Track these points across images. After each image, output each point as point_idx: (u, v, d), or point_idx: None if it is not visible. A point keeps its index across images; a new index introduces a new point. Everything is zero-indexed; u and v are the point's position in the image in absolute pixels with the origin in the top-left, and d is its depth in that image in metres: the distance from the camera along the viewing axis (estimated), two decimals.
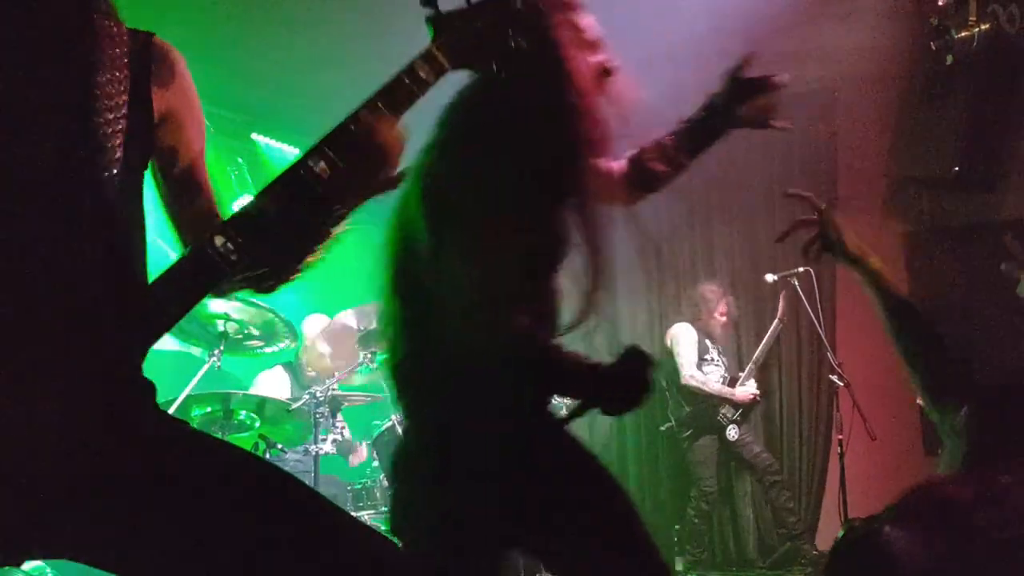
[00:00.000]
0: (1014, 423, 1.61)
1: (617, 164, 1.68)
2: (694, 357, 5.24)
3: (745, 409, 5.23)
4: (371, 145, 1.21)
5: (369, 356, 4.20)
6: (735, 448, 5.19)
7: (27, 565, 2.96)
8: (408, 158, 1.33)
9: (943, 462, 1.73)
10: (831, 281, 5.64)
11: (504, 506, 1.52)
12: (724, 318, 5.41)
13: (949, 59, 4.58)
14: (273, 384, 4.68)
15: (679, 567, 5.37)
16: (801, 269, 5.06)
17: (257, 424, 3.96)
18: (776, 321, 5.36)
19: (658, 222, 6.29)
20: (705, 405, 5.19)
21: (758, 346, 5.56)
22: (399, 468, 1.67)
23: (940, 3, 4.47)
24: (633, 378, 1.69)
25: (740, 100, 1.77)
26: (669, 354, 5.39)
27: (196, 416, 3.85)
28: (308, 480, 3.63)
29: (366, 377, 4.37)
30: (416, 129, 1.36)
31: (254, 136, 6.46)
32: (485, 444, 1.51)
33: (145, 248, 1.33)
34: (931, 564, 1.37)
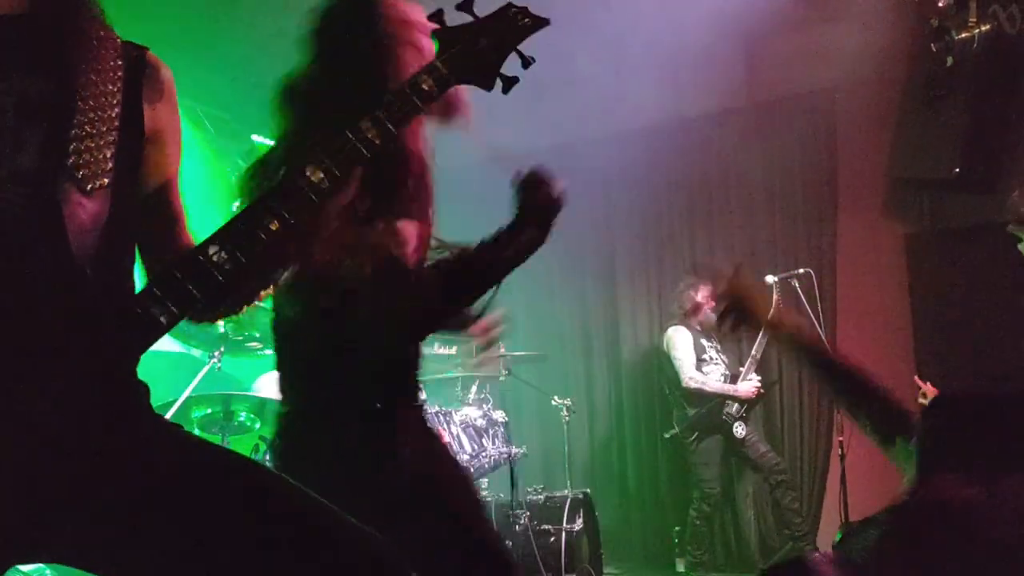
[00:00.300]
0: (964, 434, 1.61)
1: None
2: (692, 358, 5.23)
3: (750, 404, 5.23)
4: (366, 159, 1.22)
5: None
6: (742, 447, 5.19)
7: (26, 567, 2.96)
8: None
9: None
10: (831, 283, 5.64)
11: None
12: (712, 302, 5.41)
13: (949, 60, 4.58)
14: (274, 386, 4.67)
15: (680, 568, 5.38)
16: (802, 271, 5.07)
17: (257, 426, 3.96)
18: (771, 311, 5.33)
19: (659, 224, 6.30)
20: (709, 406, 5.18)
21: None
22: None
23: (940, 4, 4.47)
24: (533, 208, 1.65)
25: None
26: (666, 359, 5.38)
27: (196, 417, 3.85)
28: None
29: None
30: None
31: (254, 138, 6.46)
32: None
33: (134, 259, 1.33)
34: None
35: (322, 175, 1.19)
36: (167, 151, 1.36)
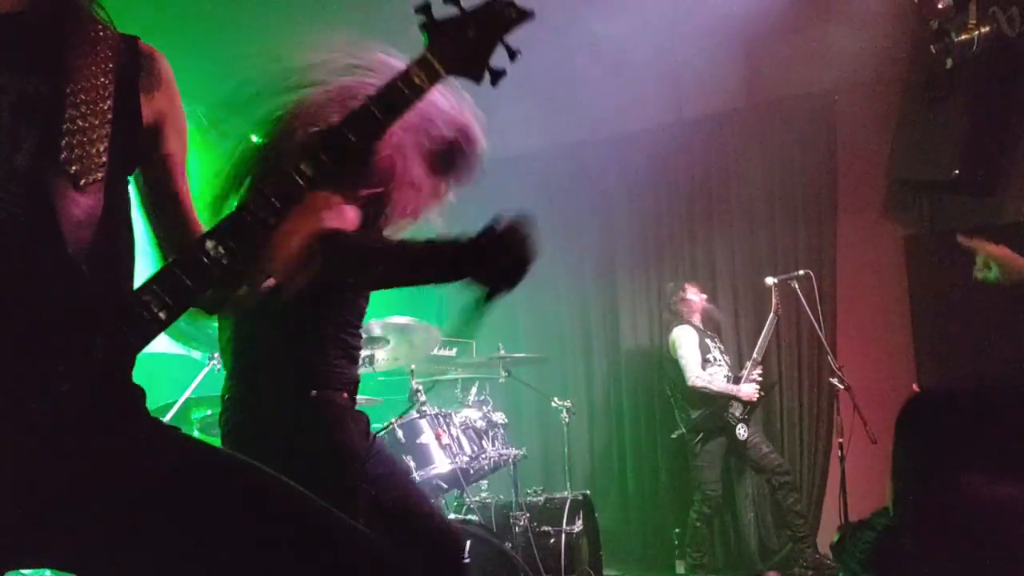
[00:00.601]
0: (964, 433, 1.60)
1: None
2: (698, 358, 5.24)
3: (752, 406, 5.23)
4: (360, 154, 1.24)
5: (367, 359, 4.20)
6: (745, 449, 5.19)
7: (26, 571, 2.95)
8: None
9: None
10: (831, 284, 5.65)
11: None
12: (700, 299, 5.45)
13: (949, 62, 4.58)
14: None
15: (680, 570, 5.37)
16: (801, 272, 5.07)
17: None
18: (771, 315, 5.35)
19: (658, 225, 6.30)
20: (713, 407, 5.18)
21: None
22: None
23: (940, 6, 4.47)
24: (502, 244, 1.47)
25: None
26: (671, 360, 5.38)
27: (196, 419, 3.85)
28: None
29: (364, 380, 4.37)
30: None
31: (254, 139, 6.47)
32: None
33: (132, 253, 1.32)
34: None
35: (313, 168, 1.20)
36: (170, 138, 1.36)
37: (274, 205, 1.18)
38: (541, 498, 4.37)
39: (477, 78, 1.34)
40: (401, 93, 1.26)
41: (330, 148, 1.21)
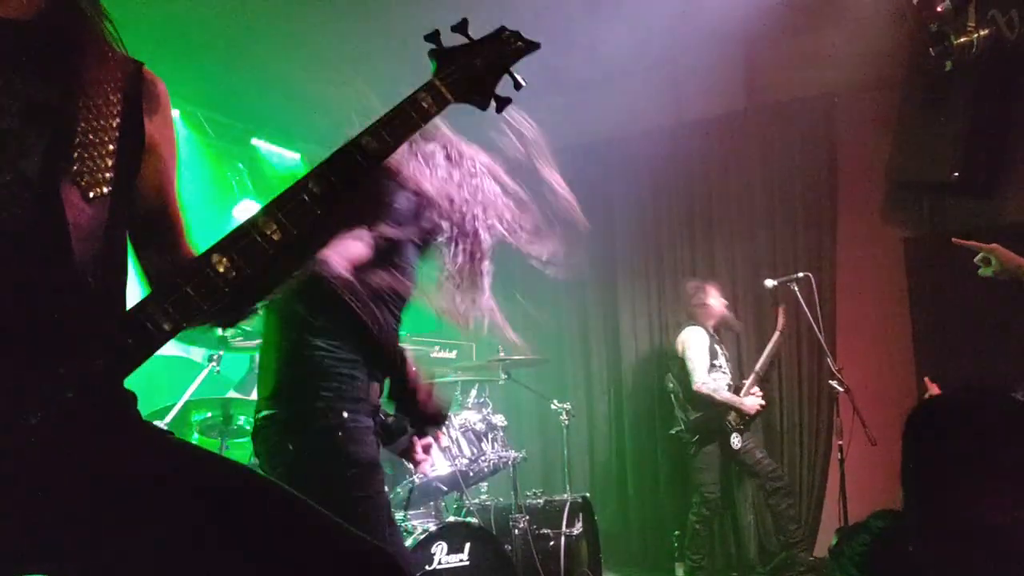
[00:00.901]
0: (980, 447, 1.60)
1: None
2: (706, 363, 5.23)
3: (750, 417, 5.24)
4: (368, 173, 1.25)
5: None
6: (739, 455, 5.19)
7: None
8: None
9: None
10: (831, 286, 5.65)
11: None
12: (721, 306, 5.41)
13: (948, 65, 4.58)
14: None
15: (679, 573, 5.36)
16: (801, 274, 5.06)
17: None
18: (776, 333, 5.36)
19: (658, 228, 6.31)
20: (713, 411, 5.18)
21: (758, 352, 5.56)
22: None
23: (939, 9, 4.48)
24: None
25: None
26: (677, 358, 5.37)
27: (195, 421, 3.85)
28: None
29: None
30: None
31: (254, 141, 6.47)
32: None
33: (127, 270, 1.33)
34: None
35: (321, 187, 1.21)
36: (165, 162, 1.38)
37: (281, 221, 1.19)
38: (541, 500, 4.37)
39: (483, 105, 1.37)
40: (409, 117, 1.28)
41: (338, 168, 1.22)
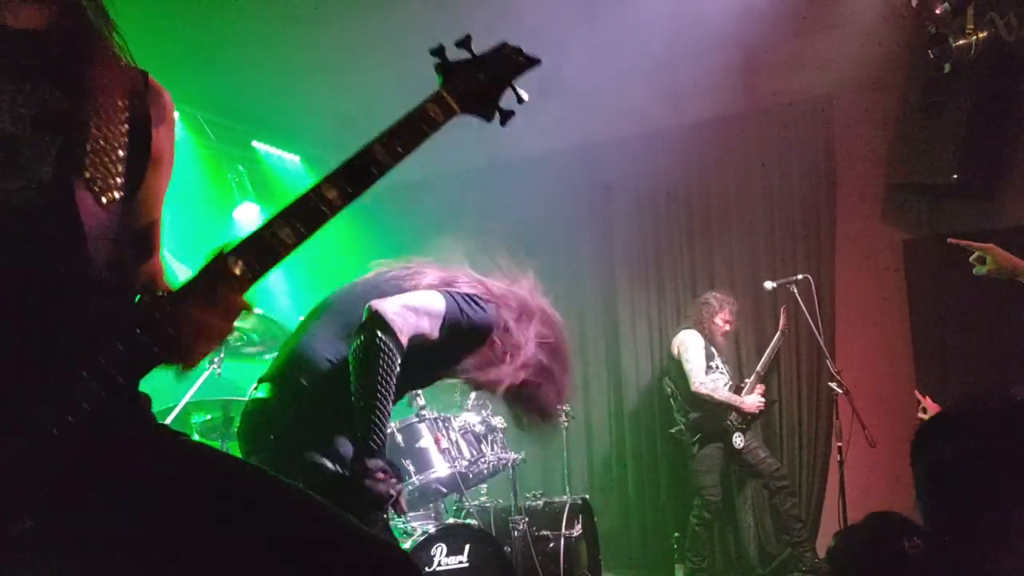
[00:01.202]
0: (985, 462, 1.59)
1: None
2: (703, 364, 5.23)
3: (752, 417, 5.24)
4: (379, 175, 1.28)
5: None
6: (741, 454, 5.19)
7: None
8: None
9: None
10: (830, 288, 5.65)
11: None
12: (727, 326, 5.40)
13: (947, 67, 4.59)
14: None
15: (679, 575, 5.37)
16: (800, 276, 5.07)
17: None
18: (778, 333, 5.37)
19: (657, 230, 6.31)
20: (713, 412, 5.19)
21: (758, 353, 5.56)
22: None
23: (938, 11, 4.48)
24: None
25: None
26: (674, 360, 5.38)
27: (196, 423, 3.86)
28: None
29: None
30: None
31: (254, 144, 6.48)
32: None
33: (134, 273, 1.36)
34: None
35: (336, 192, 1.24)
36: (162, 173, 1.40)
37: (295, 226, 1.21)
38: (540, 502, 4.37)
39: (488, 117, 1.41)
40: (418, 126, 1.31)
41: (350, 174, 1.25)
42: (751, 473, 5.37)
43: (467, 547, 3.33)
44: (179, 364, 1.20)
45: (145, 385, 1.30)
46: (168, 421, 3.51)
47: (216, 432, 3.84)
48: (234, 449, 3.91)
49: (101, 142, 1.21)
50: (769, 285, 5.21)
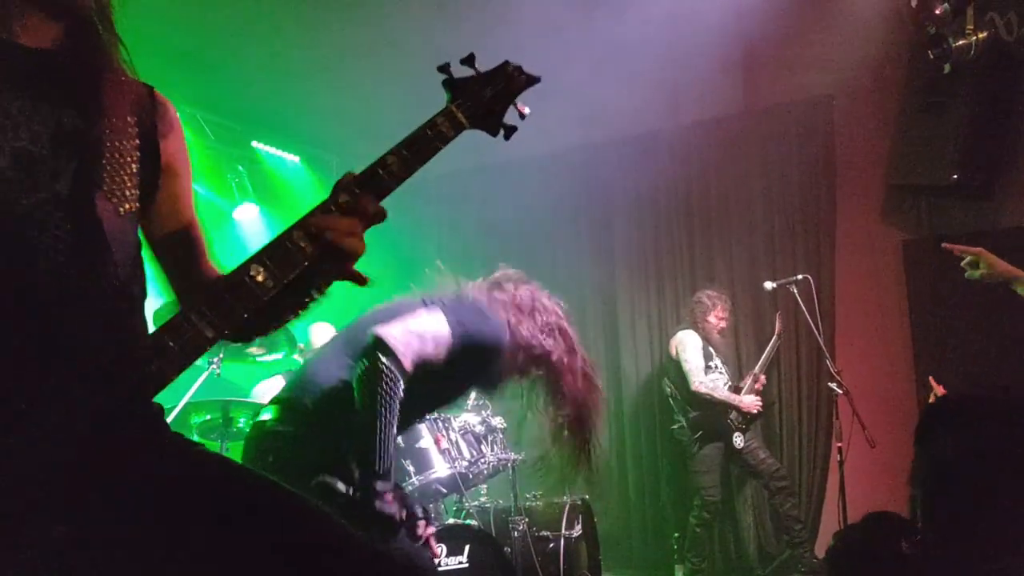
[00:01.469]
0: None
1: None
2: (702, 363, 5.23)
3: (752, 416, 5.24)
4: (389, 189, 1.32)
5: None
6: (741, 454, 5.19)
7: None
8: None
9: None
10: (830, 288, 5.65)
11: None
12: (722, 323, 5.40)
13: (947, 67, 4.59)
14: (272, 393, 4.67)
15: (679, 575, 5.37)
16: (800, 276, 5.07)
17: None
18: (775, 336, 5.37)
19: (657, 230, 6.31)
20: (712, 411, 5.19)
21: (757, 354, 5.56)
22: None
23: (938, 12, 4.48)
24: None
25: None
26: (672, 360, 5.38)
27: (195, 423, 3.86)
28: None
29: None
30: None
31: (254, 144, 6.48)
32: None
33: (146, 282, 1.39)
34: None
35: (349, 200, 1.27)
36: (182, 182, 1.44)
37: (313, 235, 1.24)
38: (540, 503, 4.37)
39: (494, 132, 1.47)
40: (429, 140, 1.35)
41: (363, 184, 1.28)
42: (751, 473, 5.37)
43: (467, 547, 3.34)
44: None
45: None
46: (168, 421, 3.50)
47: (215, 432, 3.85)
48: (234, 450, 3.91)
49: (115, 156, 1.26)
50: (769, 285, 5.21)
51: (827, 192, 5.76)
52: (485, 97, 1.43)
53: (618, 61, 5.55)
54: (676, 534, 5.51)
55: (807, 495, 5.60)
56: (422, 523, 2.23)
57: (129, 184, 1.27)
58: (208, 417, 3.87)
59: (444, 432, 3.70)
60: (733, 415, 5.18)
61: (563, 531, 4.15)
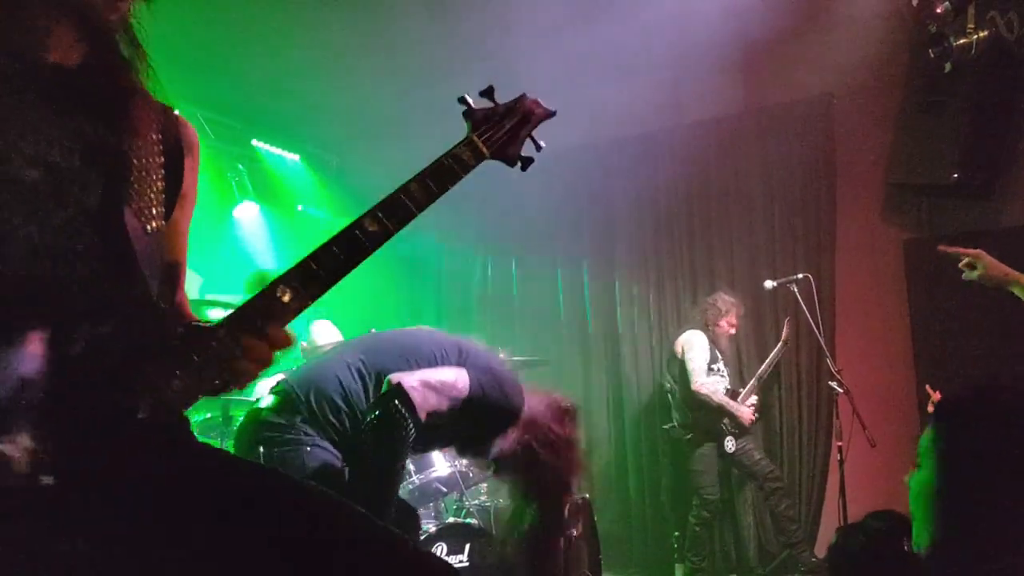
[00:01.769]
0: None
1: None
2: (705, 365, 5.23)
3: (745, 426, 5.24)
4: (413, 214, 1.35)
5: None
6: (735, 457, 5.20)
7: None
8: None
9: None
10: (830, 288, 5.65)
11: None
12: (732, 329, 5.41)
13: (948, 66, 4.58)
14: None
15: (679, 574, 5.37)
16: (800, 275, 5.07)
17: None
18: (779, 344, 5.36)
19: (657, 229, 6.31)
20: (708, 413, 5.19)
21: (758, 355, 5.56)
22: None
23: (938, 11, 4.48)
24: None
25: None
26: (676, 358, 5.37)
27: (196, 422, 3.86)
28: None
29: None
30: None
31: (254, 143, 6.48)
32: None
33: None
34: None
35: (375, 226, 1.31)
36: (186, 210, 1.44)
37: (339, 258, 1.27)
38: None
39: (513, 163, 1.54)
40: (451, 169, 1.40)
41: (389, 210, 1.32)
42: (746, 474, 5.37)
43: (467, 546, 3.34)
44: (233, 388, 1.25)
45: None
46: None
47: (215, 431, 3.85)
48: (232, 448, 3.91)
49: (143, 173, 1.27)
50: (769, 284, 5.21)
51: (827, 192, 5.75)
52: (505, 129, 1.49)
53: (618, 61, 5.55)
54: (676, 533, 5.52)
55: (807, 495, 5.60)
56: None
57: (156, 202, 1.28)
58: (208, 415, 3.87)
59: None
60: (726, 420, 5.18)
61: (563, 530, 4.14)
